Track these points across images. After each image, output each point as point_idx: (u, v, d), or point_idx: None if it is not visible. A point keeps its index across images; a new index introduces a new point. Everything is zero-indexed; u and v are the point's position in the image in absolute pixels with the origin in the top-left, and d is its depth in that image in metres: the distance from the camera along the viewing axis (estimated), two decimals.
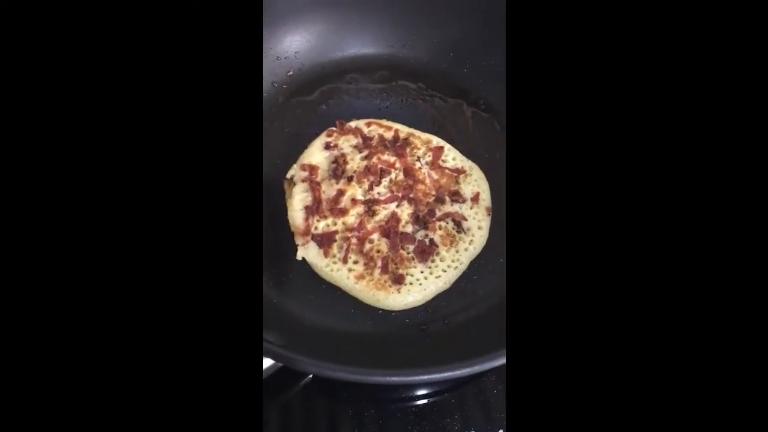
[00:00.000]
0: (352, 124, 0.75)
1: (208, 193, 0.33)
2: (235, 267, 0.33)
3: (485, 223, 0.69)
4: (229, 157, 0.34)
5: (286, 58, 0.81)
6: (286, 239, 0.67)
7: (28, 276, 0.31)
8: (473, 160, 0.74)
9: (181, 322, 0.32)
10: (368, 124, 0.75)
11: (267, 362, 0.53)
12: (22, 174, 0.32)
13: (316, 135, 0.74)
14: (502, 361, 0.51)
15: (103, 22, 0.33)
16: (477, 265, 0.67)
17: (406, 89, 0.81)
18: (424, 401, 0.64)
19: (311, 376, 0.61)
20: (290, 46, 0.81)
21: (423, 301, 0.64)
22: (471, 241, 0.67)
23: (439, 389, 0.65)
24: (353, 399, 0.64)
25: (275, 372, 0.54)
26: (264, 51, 0.80)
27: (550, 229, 0.34)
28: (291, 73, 0.81)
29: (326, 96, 0.80)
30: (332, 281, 0.64)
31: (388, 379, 0.51)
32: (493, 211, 0.70)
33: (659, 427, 0.31)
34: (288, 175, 0.71)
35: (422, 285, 0.64)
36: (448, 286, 0.65)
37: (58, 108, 0.32)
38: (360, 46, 0.83)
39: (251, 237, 0.34)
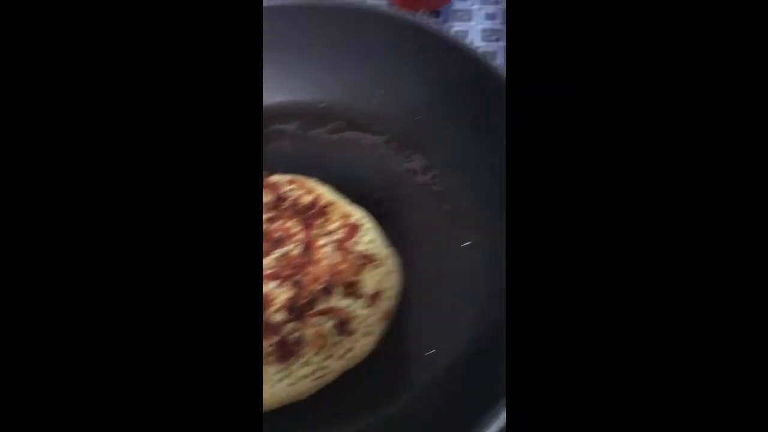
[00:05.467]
0: (275, 178, 0.66)
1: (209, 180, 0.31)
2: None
3: (377, 328, 0.56)
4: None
5: None
6: None
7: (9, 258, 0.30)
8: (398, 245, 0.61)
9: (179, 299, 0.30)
10: (291, 182, 0.66)
11: None
12: (18, 167, 0.31)
13: None
14: None
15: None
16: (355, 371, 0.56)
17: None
18: None
19: None
20: None
21: (267, 409, 0.54)
22: (351, 349, 0.55)
23: None
24: None
25: None
26: None
27: None
28: None
29: (270, 139, 0.72)
30: None
31: None
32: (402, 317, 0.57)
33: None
34: None
35: (272, 390, 0.54)
36: (303, 397, 0.54)
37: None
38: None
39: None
